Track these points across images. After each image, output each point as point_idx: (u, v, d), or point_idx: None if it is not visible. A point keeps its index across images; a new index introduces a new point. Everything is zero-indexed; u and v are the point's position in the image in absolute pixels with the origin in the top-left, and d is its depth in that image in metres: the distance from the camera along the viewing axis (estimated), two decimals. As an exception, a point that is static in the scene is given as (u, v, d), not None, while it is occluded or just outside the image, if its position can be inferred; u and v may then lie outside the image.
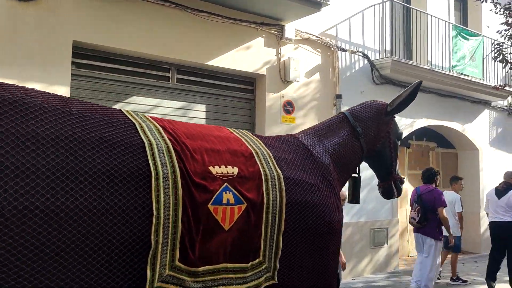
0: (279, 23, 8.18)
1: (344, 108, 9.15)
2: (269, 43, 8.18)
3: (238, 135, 2.79)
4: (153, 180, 2.07)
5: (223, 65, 7.61)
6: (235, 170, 2.41)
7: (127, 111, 2.38)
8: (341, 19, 9.31)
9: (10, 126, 1.82)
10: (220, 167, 2.35)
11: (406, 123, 10.32)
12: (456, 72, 10.88)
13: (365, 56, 9.56)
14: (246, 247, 2.44)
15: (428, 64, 10.70)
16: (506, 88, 10.96)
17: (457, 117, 11.59)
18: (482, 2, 9.93)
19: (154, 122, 2.36)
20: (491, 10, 10.22)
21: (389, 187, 3.54)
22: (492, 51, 9.89)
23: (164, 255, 2.09)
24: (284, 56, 8.33)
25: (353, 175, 3.44)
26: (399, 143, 3.55)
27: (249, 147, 2.67)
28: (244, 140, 2.71)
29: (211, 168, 2.30)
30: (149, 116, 2.47)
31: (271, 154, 2.72)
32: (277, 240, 2.53)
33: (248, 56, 7.89)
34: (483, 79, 11.62)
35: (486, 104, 12.39)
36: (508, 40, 9.47)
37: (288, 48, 8.43)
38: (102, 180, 1.96)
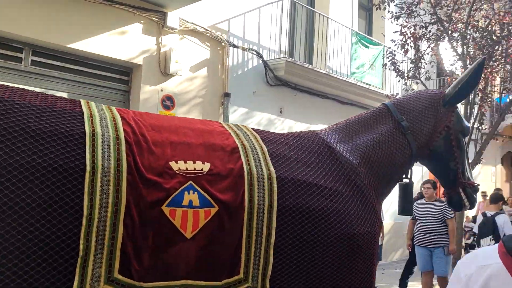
0: (160, 9, 7.49)
1: (232, 109, 8.88)
2: (149, 30, 7.45)
3: (228, 129, 2.39)
4: (87, 174, 1.80)
5: (91, 50, 6.79)
6: (205, 167, 2.05)
7: (87, 102, 2.12)
8: (235, 14, 8.80)
9: None
10: (186, 162, 2.02)
11: (302, 128, 10.01)
12: (355, 79, 10.76)
13: (259, 54, 9.10)
14: (218, 261, 2.05)
15: (328, 69, 10.49)
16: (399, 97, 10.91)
17: (356, 125, 11.50)
18: (377, 8, 9.87)
19: (115, 113, 2.09)
20: (382, 16, 10.21)
21: (457, 196, 2.90)
22: (386, 58, 9.77)
23: (98, 265, 1.80)
24: (166, 46, 7.64)
25: (402, 181, 2.90)
26: (465, 140, 2.97)
27: (237, 141, 2.27)
28: (233, 134, 2.33)
29: (172, 163, 1.99)
30: (118, 108, 2.18)
31: (266, 150, 2.30)
32: (266, 254, 2.11)
33: (122, 42, 7.12)
34: (383, 88, 11.63)
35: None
36: (401, 49, 9.42)
37: (172, 38, 7.75)
38: (30, 174, 1.74)
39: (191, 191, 1.97)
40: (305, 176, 2.28)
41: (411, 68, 9.41)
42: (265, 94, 9.21)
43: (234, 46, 8.69)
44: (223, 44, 8.50)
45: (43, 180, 1.75)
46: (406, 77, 9.47)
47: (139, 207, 1.87)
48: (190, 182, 1.98)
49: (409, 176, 2.89)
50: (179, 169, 1.99)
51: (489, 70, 9.28)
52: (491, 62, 9.24)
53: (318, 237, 2.20)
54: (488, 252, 1.32)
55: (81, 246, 1.76)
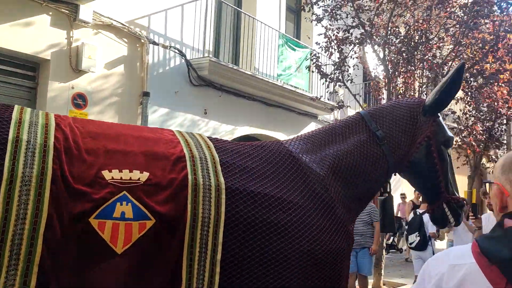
0: (72, 1, 6.98)
1: (152, 109, 8.50)
2: (58, 23, 6.93)
3: (179, 137, 2.22)
4: (3, 183, 1.67)
5: (-11, 41, 6.17)
6: (143, 176, 1.90)
7: (22, 108, 1.97)
8: (156, 10, 8.44)
9: None
10: (121, 171, 1.87)
11: (227, 130, 9.81)
12: (281, 81, 10.72)
13: (181, 53, 8.79)
14: (154, 279, 1.88)
15: (254, 71, 10.36)
16: (324, 100, 10.99)
17: (283, 127, 11.47)
18: (302, 9, 9.89)
19: (51, 119, 1.93)
20: (305, 18, 10.26)
21: (441, 212, 2.67)
22: (311, 60, 9.78)
23: (12, 281, 1.65)
24: (78, 41, 7.14)
25: (380, 195, 2.72)
26: (449, 151, 2.70)
27: (185, 150, 2.11)
28: (183, 143, 2.16)
29: (105, 172, 1.85)
30: (56, 115, 2.02)
31: (217, 159, 2.14)
32: (211, 272, 1.94)
33: (28, 35, 6.55)
34: (310, 91, 11.68)
35: (313, 117, 12.53)
36: (325, 52, 9.48)
37: (84, 32, 7.26)
38: None
39: (124, 202, 1.82)
40: (261, 187, 2.13)
41: (335, 71, 9.49)
42: (188, 94, 8.91)
43: (155, 43, 8.33)
44: (142, 41, 8.11)
45: None
46: (329, 80, 9.52)
47: (62, 219, 1.73)
48: (124, 192, 1.84)
49: (388, 190, 2.76)
50: (113, 178, 1.85)
51: (408, 75, 9.57)
52: (409, 67, 9.53)
53: (273, 254, 2.04)
54: (461, 251, 1.30)
55: None
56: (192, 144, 2.18)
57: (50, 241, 1.70)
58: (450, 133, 2.71)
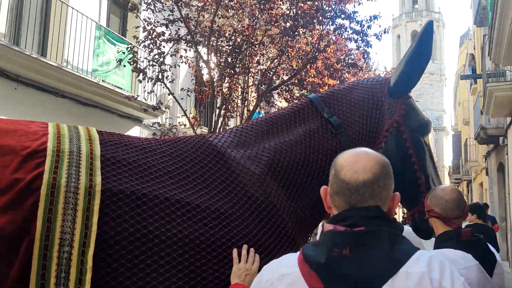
0: None
1: None
2: None
3: (50, 129, 1.70)
4: None
5: None
6: None
7: None
8: None
9: None
10: None
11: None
12: (98, 78, 9.57)
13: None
14: None
15: (64, 63, 9.06)
16: (141, 99, 10.02)
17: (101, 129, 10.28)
18: (129, 10, 8.90)
19: None
20: (133, 13, 9.40)
21: (423, 218, 2.09)
22: (127, 56, 8.82)
23: None
24: None
25: None
26: (426, 138, 2.14)
27: (50, 143, 1.61)
28: (51, 135, 1.65)
29: None
30: None
31: (97, 154, 1.64)
32: None
33: None
34: (133, 92, 10.67)
35: (137, 120, 11.55)
36: (143, 47, 8.66)
37: None
38: None
39: None
40: (160, 189, 1.63)
41: (154, 69, 8.72)
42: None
43: None
44: None
45: None
46: (147, 78, 8.72)
47: None
48: None
49: None
50: None
51: (232, 80, 9.27)
52: (234, 72, 9.25)
53: (179, 282, 1.51)
54: (290, 259, 1.26)
55: None
56: (66, 136, 1.70)
57: None
58: (425, 117, 2.23)
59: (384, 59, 54.43)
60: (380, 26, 9.92)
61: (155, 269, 1.52)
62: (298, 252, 1.25)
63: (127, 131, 11.14)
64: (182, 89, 9.72)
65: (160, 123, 11.93)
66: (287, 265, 1.24)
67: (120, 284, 1.48)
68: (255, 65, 9.62)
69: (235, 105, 9.92)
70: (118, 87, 9.97)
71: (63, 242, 1.45)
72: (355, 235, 1.17)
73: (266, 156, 1.94)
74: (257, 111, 17.60)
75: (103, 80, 9.66)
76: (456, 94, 35.89)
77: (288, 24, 8.95)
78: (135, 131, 11.53)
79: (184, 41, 8.70)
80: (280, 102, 11.70)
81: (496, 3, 7.52)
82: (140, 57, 8.77)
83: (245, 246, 1.68)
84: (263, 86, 9.77)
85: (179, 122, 11.22)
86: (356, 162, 1.23)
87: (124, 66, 8.65)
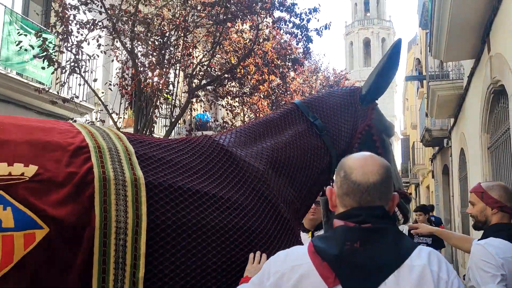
0: None
1: None
2: None
3: (80, 128, 1.83)
4: None
5: None
6: (29, 171, 1.50)
7: None
8: None
9: None
10: None
11: None
12: (8, 69, 8.52)
13: None
14: None
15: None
16: (53, 91, 8.87)
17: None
18: None
19: None
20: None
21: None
22: (39, 45, 7.81)
23: None
24: None
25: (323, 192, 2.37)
26: (390, 141, 2.50)
27: (88, 139, 1.73)
28: (85, 133, 1.78)
29: None
30: None
31: (132, 151, 1.79)
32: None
33: None
34: (57, 88, 9.64)
35: (63, 119, 10.53)
36: (54, 33, 7.71)
37: None
38: None
39: (0, 206, 1.39)
40: (190, 183, 1.80)
41: (70, 59, 7.81)
42: None
43: None
44: None
45: None
46: (60, 68, 7.77)
47: None
48: (0, 192, 1.42)
49: (330, 184, 2.39)
50: None
51: (161, 73, 8.47)
52: (162, 64, 8.45)
53: (213, 265, 1.70)
54: (300, 252, 1.37)
55: None
56: (98, 134, 1.80)
57: None
58: (389, 121, 2.57)
59: (335, 62, 55.19)
60: (318, 20, 9.39)
61: (194, 253, 1.70)
62: (306, 245, 1.38)
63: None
64: (106, 83, 8.83)
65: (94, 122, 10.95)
66: (297, 257, 1.36)
67: (166, 268, 1.64)
68: (186, 58, 8.87)
69: (164, 101, 9.16)
70: (40, 82, 8.93)
71: (118, 230, 1.57)
72: (363, 231, 1.31)
73: (266, 154, 2.16)
74: (201, 111, 16.88)
75: (17, 73, 8.63)
76: (405, 99, 36.46)
77: (219, 12, 8.25)
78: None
79: (101, 28, 7.82)
80: (217, 101, 10.97)
81: (435, -3, 7.16)
82: (54, 45, 7.79)
83: (258, 252, 1.86)
84: (195, 80, 9.04)
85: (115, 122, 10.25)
86: (364, 165, 1.36)
87: (34, 56, 7.66)
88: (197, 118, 17.93)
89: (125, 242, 1.58)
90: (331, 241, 1.34)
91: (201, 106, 12.24)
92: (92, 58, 8.07)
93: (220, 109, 11.87)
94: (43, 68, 7.67)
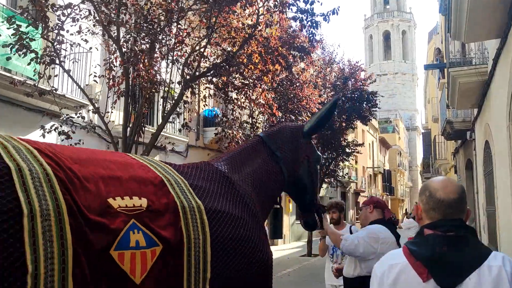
0: None
1: None
2: None
3: (141, 160, 2.30)
4: (25, 219, 1.51)
5: None
6: (143, 202, 1.94)
7: None
8: None
9: None
10: (123, 198, 1.87)
11: None
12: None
13: None
14: None
15: None
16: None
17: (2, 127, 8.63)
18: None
19: (25, 143, 1.83)
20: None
21: (313, 219, 3.26)
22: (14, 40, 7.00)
23: None
24: None
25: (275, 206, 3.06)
26: (318, 167, 3.24)
27: (158, 173, 2.20)
28: (150, 166, 2.24)
29: (111, 200, 1.83)
30: (20, 138, 1.89)
31: (186, 182, 2.29)
32: None
33: None
34: (44, 82, 8.96)
35: (54, 116, 9.80)
36: (29, 18, 7.01)
37: None
38: None
39: (135, 230, 1.82)
40: (220, 206, 2.32)
41: (46, 48, 7.12)
42: None
43: None
44: None
45: None
46: (38, 60, 7.10)
47: (87, 254, 1.64)
48: (133, 220, 1.84)
49: (279, 202, 3.21)
50: (119, 206, 1.84)
51: (150, 62, 7.73)
52: (151, 53, 7.72)
53: (240, 265, 2.26)
54: (395, 254, 1.80)
55: None
56: (157, 167, 2.25)
57: (79, 279, 1.61)
58: (319, 153, 3.25)
59: (354, 55, 53.97)
60: (322, 4, 8.50)
61: (228, 258, 2.22)
62: (400, 249, 1.81)
63: (39, 129, 9.45)
64: (91, 74, 8.13)
65: (86, 119, 10.23)
66: (394, 258, 1.77)
67: (219, 269, 2.16)
68: (179, 46, 8.11)
69: (156, 94, 8.47)
70: (29, 77, 8.23)
71: (196, 245, 2.07)
72: (449, 238, 1.71)
73: (249, 179, 2.75)
74: (210, 107, 16.11)
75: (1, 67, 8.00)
76: (426, 91, 35.12)
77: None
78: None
79: (80, 12, 7.11)
80: (210, 91, 10.14)
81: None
82: (27, 32, 7.09)
83: None
84: (188, 71, 8.28)
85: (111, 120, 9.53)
86: (446, 186, 1.79)
87: (11, 46, 6.99)
88: (204, 114, 17.24)
89: (199, 252, 2.06)
90: (422, 245, 1.73)
91: (203, 100, 11.47)
92: (75, 46, 7.41)
93: (221, 103, 11.11)
94: (8, 59, 6.99)
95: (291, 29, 12.09)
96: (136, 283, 1.78)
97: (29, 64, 7.20)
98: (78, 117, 8.78)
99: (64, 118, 8.23)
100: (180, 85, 8.19)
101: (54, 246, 1.56)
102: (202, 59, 8.34)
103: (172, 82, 8.45)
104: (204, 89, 10.52)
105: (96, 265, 1.67)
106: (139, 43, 7.70)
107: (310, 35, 9.15)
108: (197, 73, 8.35)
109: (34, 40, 6.96)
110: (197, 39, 8.52)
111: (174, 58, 8.25)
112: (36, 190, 1.59)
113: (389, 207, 9.53)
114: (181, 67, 8.20)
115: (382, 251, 3.30)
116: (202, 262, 2.07)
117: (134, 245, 1.79)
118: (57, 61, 7.23)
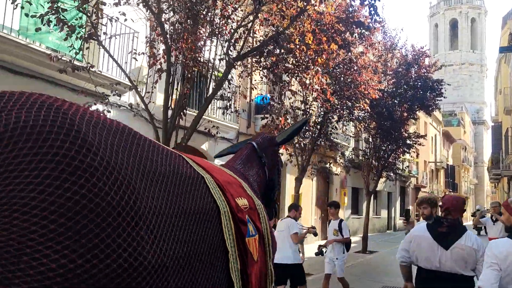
0: None
1: None
2: None
3: (212, 164, 2.65)
4: (222, 216, 2.10)
5: None
6: (245, 202, 2.46)
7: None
8: None
9: None
10: (240, 199, 2.40)
11: None
12: (27, 39, 7.61)
13: None
14: (266, 278, 2.55)
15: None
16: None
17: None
18: None
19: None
20: None
21: (274, 211, 3.68)
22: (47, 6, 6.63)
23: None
24: None
25: None
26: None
27: (236, 177, 2.67)
28: (225, 170, 2.67)
29: (238, 200, 2.36)
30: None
31: (247, 185, 2.79)
32: (272, 268, 2.63)
33: None
34: (89, 62, 8.61)
35: (99, 97, 9.51)
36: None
37: None
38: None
39: (250, 223, 2.36)
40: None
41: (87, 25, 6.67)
42: None
43: None
44: None
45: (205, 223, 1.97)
46: (73, 35, 6.66)
47: (240, 241, 2.21)
48: (247, 215, 2.36)
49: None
50: (242, 205, 2.35)
51: (193, 38, 7.13)
52: (194, 28, 7.11)
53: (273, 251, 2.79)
54: (505, 242, 2.77)
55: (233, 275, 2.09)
56: (227, 171, 2.67)
57: (240, 259, 2.17)
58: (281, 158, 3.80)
59: (414, 39, 51.06)
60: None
61: (274, 243, 2.79)
62: (506, 239, 2.65)
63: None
64: (130, 52, 7.66)
65: (133, 103, 9.88)
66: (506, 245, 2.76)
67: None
68: (224, 22, 7.46)
69: (200, 73, 7.89)
70: (62, 52, 7.90)
71: (266, 234, 2.56)
72: None
73: (254, 186, 3.07)
74: (261, 94, 15.44)
75: (37, 43, 7.71)
76: (497, 82, 32.53)
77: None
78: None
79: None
80: (260, 72, 9.42)
81: None
82: (69, 8, 6.70)
83: None
84: (233, 50, 7.61)
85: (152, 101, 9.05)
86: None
87: (50, 21, 6.65)
88: (256, 101, 16.60)
89: (268, 240, 2.58)
90: None
91: (255, 87, 10.77)
92: (115, 20, 6.95)
93: (273, 88, 10.35)
94: (37, 30, 6.62)
95: (351, 9, 11.12)
96: (255, 260, 2.33)
97: (65, 39, 6.81)
98: (113, 95, 8.37)
99: (101, 96, 7.83)
100: (225, 63, 7.54)
101: (232, 234, 2.12)
102: (249, 35, 7.64)
103: (220, 60, 7.80)
104: (255, 72, 9.83)
105: (242, 249, 2.21)
106: (180, 17, 7.12)
107: (371, 8, 8.18)
108: (242, 52, 7.66)
109: (66, 10, 6.53)
110: (243, 14, 7.81)
111: (219, 34, 7.59)
112: (215, 193, 2.10)
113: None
114: (226, 44, 7.53)
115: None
116: (268, 246, 2.57)
117: (252, 233, 2.34)
118: (95, 37, 6.77)
